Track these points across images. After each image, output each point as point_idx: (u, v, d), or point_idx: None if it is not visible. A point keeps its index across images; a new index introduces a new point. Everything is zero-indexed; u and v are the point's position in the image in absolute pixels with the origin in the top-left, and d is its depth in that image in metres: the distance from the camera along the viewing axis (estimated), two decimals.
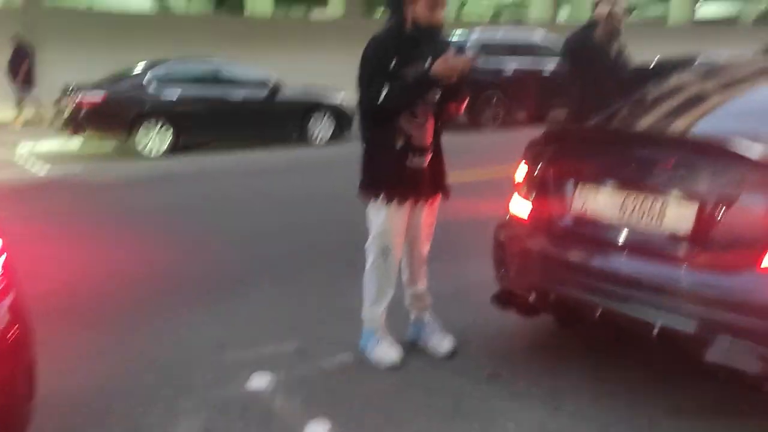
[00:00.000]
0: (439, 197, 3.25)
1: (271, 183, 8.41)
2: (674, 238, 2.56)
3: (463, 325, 3.61)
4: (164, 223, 6.27)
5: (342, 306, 3.95)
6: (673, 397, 2.84)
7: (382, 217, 3.13)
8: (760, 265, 2.33)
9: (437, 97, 3.08)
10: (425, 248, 3.34)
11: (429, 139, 3.12)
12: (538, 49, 13.70)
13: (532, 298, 3.03)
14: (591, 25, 4.30)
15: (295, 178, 8.74)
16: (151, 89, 10.59)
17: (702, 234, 2.48)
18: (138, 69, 11.02)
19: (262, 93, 11.25)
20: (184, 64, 11.35)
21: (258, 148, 10.95)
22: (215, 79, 11.14)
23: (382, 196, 3.10)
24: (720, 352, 2.39)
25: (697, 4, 27.90)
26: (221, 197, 7.52)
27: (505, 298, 3.24)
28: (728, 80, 3.36)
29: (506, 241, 3.24)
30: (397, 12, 3.05)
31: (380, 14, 25.97)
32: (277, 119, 11.39)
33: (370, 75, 3.01)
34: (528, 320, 3.46)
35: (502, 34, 14.80)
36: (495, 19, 30.28)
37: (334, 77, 15.43)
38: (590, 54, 4.20)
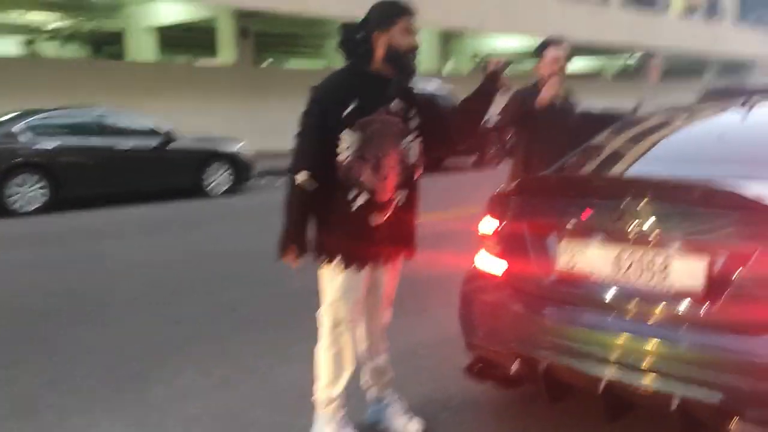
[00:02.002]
0: (402, 256, 2.85)
1: (163, 240, 7.66)
2: (684, 297, 2.30)
3: (428, 394, 3.18)
4: (21, 288, 5.43)
5: (281, 385, 3.42)
6: None
7: (337, 284, 2.69)
8: None
9: (414, 137, 2.73)
10: (387, 315, 2.91)
11: (395, 187, 2.71)
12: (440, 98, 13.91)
13: (515, 367, 2.66)
14: (536, 82, 4.18)
15: (191, 233, 8.03)
16: (23, 139, 9.53)
17: (716, 291, 2.23)
18: (6, 117, 9.93)
19: (153, 143, 10.46)
20: (64, 112, 10.34)
21: (150, 202, 10.10)
22: (100, 128, 10.21)
23: (338, 259, 2.66)
24: (750, 426, 2.12)
25: None
26: (92, 258, 6.70)
27: (481, 369, 2.86)
28: (705, 123, 3.24)
29: (479, 302, 2.89)
30: (360, 49, 2.67)
31: (270, 62, 25.74)
32: (170, 170, 10.63)
33: (316, 127, 2.61)
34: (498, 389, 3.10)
35: None
36: None
37: (227, 126, 14.90)
38: (537, 108, 4.04)
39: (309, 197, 2.63)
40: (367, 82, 2.65)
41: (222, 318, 4.64)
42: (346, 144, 2.61)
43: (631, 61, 30.87)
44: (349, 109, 2.59)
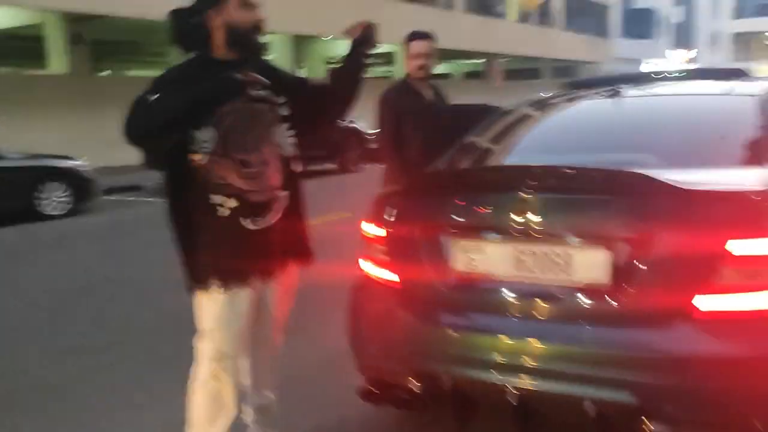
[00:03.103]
0: (296, 266, 2.49)
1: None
2: (590, 291, 2.15)
3: (319, 425, 2.86)
4: None
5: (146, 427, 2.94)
6: None
7: (215, 310, 2.28)
8: (694, 309, 2.01)
9: (288, 120, 2.38)
10: (278, 341, 2.54)
11: (274, 184, 2.35)
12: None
13: (416, 386, 2.40)
14: (405, 78, 3.95)
15: (29, 261, 7.07)
16: None
17: (621, 282, 2.10)
18: None
19: None
20: None
21: None
22: None
23: (213, 281, 2.26)
24: (661, 425, 2.01)
25: None
26: None
27: (377, 392, 2.56)
28: (580, 112, 3.17)
29: (369, 316, 2.60)
30: (195, 35, 2.29)
31: (107, 71, 23.90)
32: None
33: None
34: (397, 411, 2.83)
35: None
36: None
37: (64, 141, 13.52)
38: (409, 103, 3.83)
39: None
40: (212, 70, 2.24)
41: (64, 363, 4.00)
42: (201, 142, 2.22)
43: (479, 63, 32.36)
44: (192, 104, 2.19)
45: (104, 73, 23.01)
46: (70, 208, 9.98)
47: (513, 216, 2.27)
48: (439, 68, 36.42)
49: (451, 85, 28.45)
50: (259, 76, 2.34)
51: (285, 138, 2.40)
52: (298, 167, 2.47)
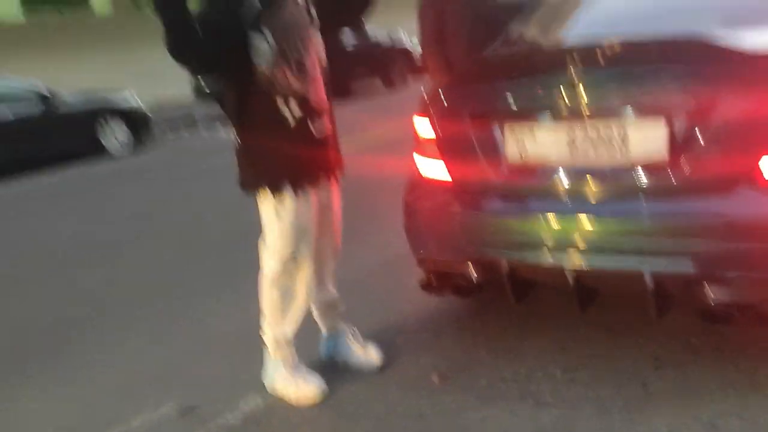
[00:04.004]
0: (340, 170, 2.54)
1: (73, 206, 7.01)
2: (648, 166, 2.11)
3: (381, 321, 2.97)
4: None
5: (226, 334, 3.13)
6: (655, 350, 2.44)
7: (286, 213, 2.35)
8: (759, 173, 1.95)
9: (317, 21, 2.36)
10: (338, 239, 2.62)
11: (324, 91, 2.38)
12: None
13: (474, 273, 2.45)
14: None
15: (99, 196, 7.39)
16: None
17: (680, 153, 2.05)
18: None
19: (31, 106, 9.47)
20: None
21: (42, 170, 9.23)
22: None
23: (286, 186, 2.32)
24: (729, 288, 2.00)
25: None
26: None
27: (438, 281, 2.63)
28: None
29: (425, 211, 2.64)
30: None
31: (149, 10, 23.86)
32: (58, 133, 9.65)
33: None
34: (456, 301, 2.91)
35: None
36: None
37: (111, 79, 13.75)
38: None
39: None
40: None
41: (148, 277, 4.24)
42: (261, 51, 2.22)
43: None
44: (246, 5, 2.19)
45: (146, 12, 23.04)
46: (129, 144, 10.25)
47: (564, 97, 2.22)
48: None
49: None
50: None
51: (318, 41, 2.38)
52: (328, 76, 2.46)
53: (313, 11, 2.38)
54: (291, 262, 2.40)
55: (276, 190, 2.32)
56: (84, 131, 9.84)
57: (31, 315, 3.88)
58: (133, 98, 10.53)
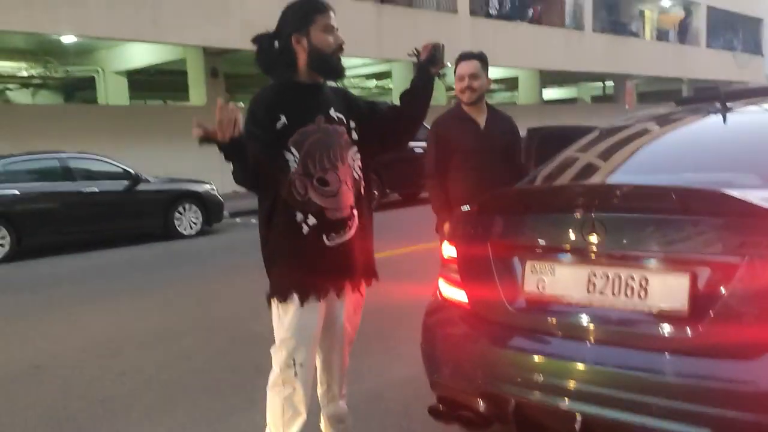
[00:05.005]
0: (364, 283, 2.55)
1: (137, 280, 7.30)
2: (667, 319, 2.01)
3: None
4: None
5: None
6: None
7: (289, 318, 2.37)
8: None
9: (357, 144, 2.46)
10: (347, 353, 2.60)
11: (350, 204, 2.43)
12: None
13: (482, 406, 2.35)
14: (457, 103, 3.73)
15: (165, 274, 7.67)
16: None
17: (702, 310, 1.95)
18: None
19: (120, 186, 10.14)
20: (26, 158, 9.92)
21: (119, 246, 9.71)
22: (65, 173, 9.84)
23: (291, 294, 2.36)
24: None
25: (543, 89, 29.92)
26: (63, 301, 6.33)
27: (446, 410, 2.54)
28: (680, 129, 3.00)
29: (442, 335, 2.59)
30: (280, 59, 2.41)
31: (240, 102, 25.53)
32: (138, 213, 10.27)
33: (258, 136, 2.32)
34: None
35: None
36: None
37: (199, 167, 14.55)
38: (456, 131, 3.61)
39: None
40: (296, 93, 2.39)
41: (175, 366, 4.29)
42: (289, 162, 2.33)
43: (609, 87, 31.08)
44: (278, 127, 2.32)
45: (238, 104, 24.60)
46: (200, 228, 10.72)
47: (587, 237, 2.18)
48: (564, 92, 35.47)
49: (578, 110, 27.47)
50: (341, 100, 2.46)
51: (356, 160, 2.47)
52: (365, 188, 2.52)
53: (354, 133, 2.48)
54: (289, 369, 2.38)
55: (282, 297, 2.36)
56: (160, 213, 10.36)
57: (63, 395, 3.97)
58: (209, 186, 11.06)
